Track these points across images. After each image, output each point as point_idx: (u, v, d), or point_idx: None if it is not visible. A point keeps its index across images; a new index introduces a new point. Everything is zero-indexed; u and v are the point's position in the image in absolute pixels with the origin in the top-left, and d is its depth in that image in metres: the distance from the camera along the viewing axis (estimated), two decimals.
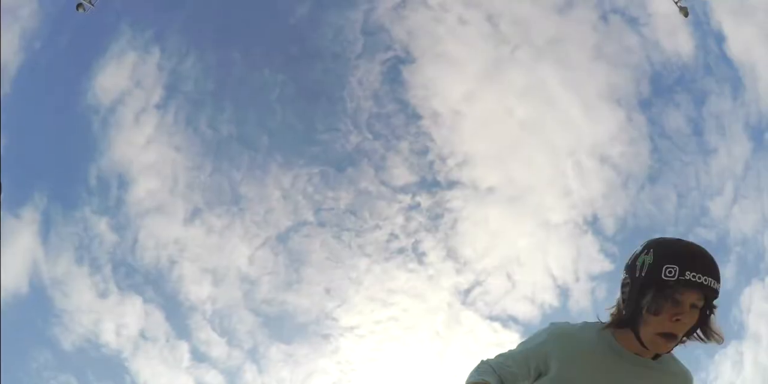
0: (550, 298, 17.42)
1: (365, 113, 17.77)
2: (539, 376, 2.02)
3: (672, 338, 1.84)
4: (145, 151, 17.34)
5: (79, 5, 16.18)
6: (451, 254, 17.69)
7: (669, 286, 1.77)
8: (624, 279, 1.89)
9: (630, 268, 1.88)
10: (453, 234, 17.69)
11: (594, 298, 17.17)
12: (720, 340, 1.90)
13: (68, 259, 16.87)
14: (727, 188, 17.45)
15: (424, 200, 17.72)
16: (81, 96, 16.87)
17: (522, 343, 2.11)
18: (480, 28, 17.55)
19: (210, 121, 17.50)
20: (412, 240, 17.59)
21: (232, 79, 17.90)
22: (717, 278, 1.79)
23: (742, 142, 17.63)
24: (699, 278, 1.77)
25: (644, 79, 17.86)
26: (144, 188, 17.27)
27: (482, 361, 2.12)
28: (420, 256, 17.64)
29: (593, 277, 17.45)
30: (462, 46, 17.75)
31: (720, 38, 17.29)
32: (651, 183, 17.82)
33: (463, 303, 17.44)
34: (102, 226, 17.00)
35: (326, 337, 17.16)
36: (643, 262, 1.84)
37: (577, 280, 17.44)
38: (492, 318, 17.24)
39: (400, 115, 17.80)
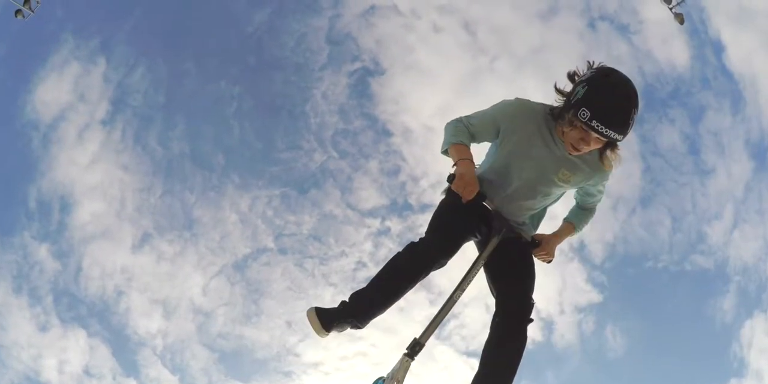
0: (532, 332, 12.77)
1: (330, 129, 17.08)
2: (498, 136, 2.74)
3: (576, 150, 2.53)
4: (89, 170, 16.61)
5: (18, 12, 14.92)
6: (424, 284, 14.52)
7: (581, 122, 2.37)
8: (574, 85, 2.46)
9: (576, 80, 2.48)
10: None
11: (581, 332, 16.40)
12: (609, 167, 2.67)
13: (5, 289, 16.09)
14: (727, 212, 16.76)
15: (394, 225, 16.79)
16: (19, 111, 16.25)
17: (492, 106, 2.75)
18: (456, 36, 16.92)
19: (160, 137, 16.74)
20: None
21: (184, 92, 17.21)
22: (623, 132, 2.38)
23: (742, 161, 16.90)
24: (602, 129, 2.36)
25: None
26: (88, 212, 16.48)
27: (458, 120, 2.78)
28: None
29: (580, 309, 16.66)
30: (436, 56, 16.90)
31: (718, 48, 16.60)
32: (643, 206, 17.13)
33: (438, 337, 15.41)
34: (42, 253, 16.25)
35: (288, 374, 16.33)
36: (578, 92, 2.43)
37: (562, 312, 16.73)
38: (469, 354, 16.11)
39: (369, 132, 17.13)
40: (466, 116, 2.78)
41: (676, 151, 17.10)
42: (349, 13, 17.00)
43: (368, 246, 16.93)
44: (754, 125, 16.76)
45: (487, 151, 2.95)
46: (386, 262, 2.68)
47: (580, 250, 16.86)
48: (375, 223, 16.88)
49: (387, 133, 17.21)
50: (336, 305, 2.61)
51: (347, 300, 2.61)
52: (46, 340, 15.92)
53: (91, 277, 16.21)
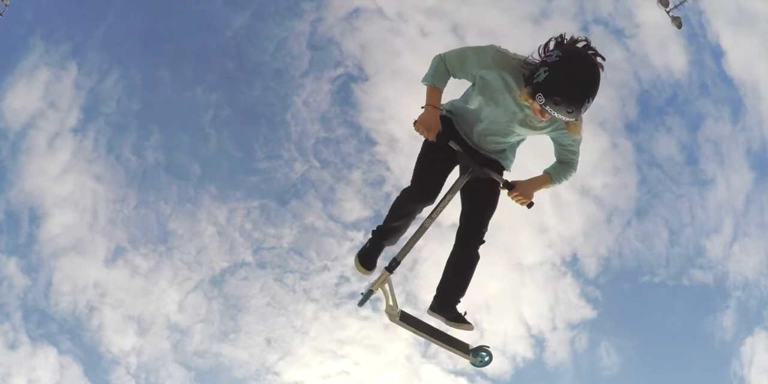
0: (523, 350, 16.21)
1: (312, 138, 16.77)
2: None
3: (537, 116, 2.81)
4: (60, 181, 16.33)
5: None
6: (411, 299, 15.34)
7: (537, 103, 2.61)
8: (539, 63, 2.62)
9: (542, 57, 2.64)
10: (412, 276, 15.65)
11: (574, 350, 16.39)
12: (572, 132, 2.93)
13: None
14: (726, 224, 16.60)
15: None
16: None
17: (474, 51, 2.87)
18: (444, 40, 16.42)
19: (134, 146, 16.38)
20: (366, 283, 15.21)
21: (159, 99, 16.77)
22: (575, 116, 2.60)
23: (743, 171, 16.74)
24: (555, 114, 2.59)
25: (631, 100, 17.02)
26: (59, 224, 16.19)
27: (442, 58, 2.96)
28: (374, 302, 14.72)
29: (573, 326, 16.49)
30: (423, 61, 15.10)
31: (718, 53, 16.41)
32: (639, 218, 16.93)
33: (424, 355, 16.28)
34: (11, 267, 15.97)
35: None
36: (539, 75, 2.57)
37: (555, 329, 16.50)
38: (456, 373, 16.02)
39: (352, 141, 16.82)
40: (449, 56, 2.94)
41: (673, 161, 16.95)
42: (331, 16, 16.72)
43: (351, 260, 15.99)
44: (755, 134, 16.58)
45: (466, 90, 3.17)
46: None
47: (573, 264, 16.76)
48: (358, 236, 16.52)
49: (371, 142, 16.94)
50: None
51: (372, 233, 3.38)
52: (15, 358, 15.67)
53: (62, 292, 15.97)
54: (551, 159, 3.24)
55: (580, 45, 2.61)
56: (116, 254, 16.22)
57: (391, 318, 3.43)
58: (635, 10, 16.46)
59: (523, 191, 3.17)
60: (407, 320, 3.46)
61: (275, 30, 16.55)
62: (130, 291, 16.22)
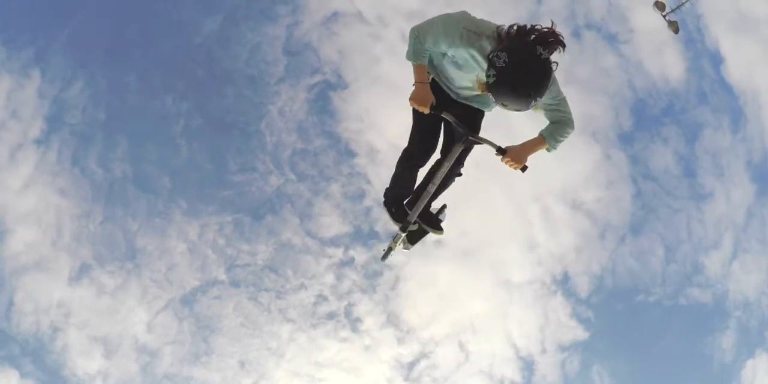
0: (511, 373, 16.21)
1: (288, 149, 16.48)
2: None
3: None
4: (22, 195, 15.83)
5: None
6: (392, 320, 16.48)
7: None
8: (490, 60, 2.76)
9: (499, 50, 2.78)
10: (394, 296, 16.47)
11: (565, 373, 16.29)
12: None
13: None
14: (726, 241, 16.43)
15: (358, 255, 16.41)
16: None
17: (443, 23, 3.02)
18: None
19: (100, 158, 15.92)
20: (345, 303, 16.35)
21: (126, 108, 16.26)
22: (524, 111, 2.84)
23: (743, 184, 16.56)
24: (505, 108, 2.82)
25: (625, 109, 16.82)
26: (21, 240, 15.72)
27: (416, 36, 3.14)
28: (354, 323, 16.37)
29: (563, 348, 16.30)
30: (405, 68, 15.49)
31: (717, 59, 16.25)
32: (633, 234, 16.75)
33: (407, 378, 16.24)
34: None
35: None
36: (489, 75, 2.74)
37: (544, 351, 16.32)
38: None
39: (330, 152, 16.59)
40: (421, 34, 3.10)
41: (669, 174, 16.78)
42: (308, 20, 16.41)
43: (330, 278, 16.42)
44: (756, 145, 16.47)
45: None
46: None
47: (564, 283, 16.63)
48: (337, 253, 16.42)
49: (350, 154, 16.72)
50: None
51: (385, 201, 3.89)
52: None
53: (23, 312, 15.54)
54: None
55: (531, 38, 2.69)
56: (81, 272, 15.87)
57: (407, 248, 4.08)
58: (629, 14, 16.34)
59: (515, 156, 3.24)
60: (415, 239, 4.03)
61: (249, 35, 16.26)
62: (96, 311, 15.82)
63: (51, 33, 15.80)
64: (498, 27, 2.88)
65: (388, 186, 3.87)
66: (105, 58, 16.31)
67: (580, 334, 16.14)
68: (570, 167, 16.31)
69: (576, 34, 16.33)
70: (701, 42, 16.22)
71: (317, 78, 16.45)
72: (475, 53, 2.99)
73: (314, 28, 16.30)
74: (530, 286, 16.51)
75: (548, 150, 3.29)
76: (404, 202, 3.83)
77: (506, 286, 16.66)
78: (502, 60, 2.69)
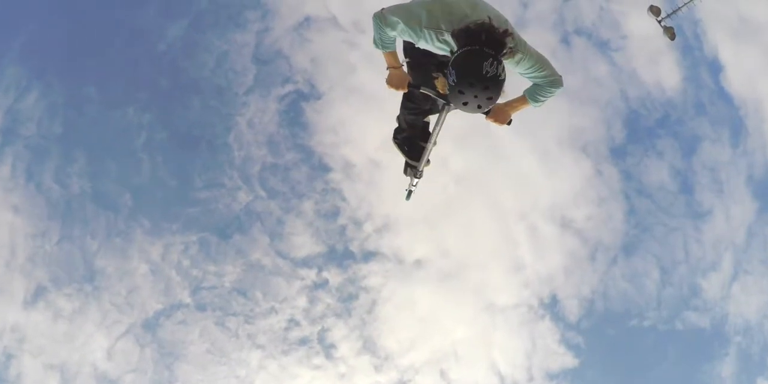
0: None
1: (257, 164, 16.24)
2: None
3: None
4: None
5: None
6: (369, 346, 16.34)
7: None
8: (450, 62, 2.93)
9: (450, 60, 2.94)
10: (371, 320, 16.29)
11: None
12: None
13: None
14: (725, 261, 16.32)
15: (333, 277, 16.31)
16: None
17: (409, 29, 3.15)
18: None
19: (57, 174, 15.67)
20: (318, 328, 16.17)
21: (85, 120, 15.99)
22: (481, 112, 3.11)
23: (744, 201, 16.44)
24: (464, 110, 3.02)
25: (617, 121, 16.77)
26: None
27: (380, 27, 3.25)
28: (328, 349, 16.15)
29: (552, 375, 16.14)
30: (382, 78, 16.02)
31: (716, 67, 16.22)
32: (626, 255, 16.62)
33: None
34: None
35: None
36: (448, 79, 2.89)
37: (531, 379, 16.17)
38: None
39: (303, 167, 16.42)
40: (388, 26, 3.20)
41: (665, 190, 16.66)
42: (279, 26, 16.29)
43: (302, 301, 16.23)
44: (757, 159, 16.37)
45: None
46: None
47: (552, 307, 16.43)
48: (310, 275, 16.28)
49: (324, 169, 16.59)
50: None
51: (396, 142, 4.21)
52: None
53: None
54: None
55: (474, 59, 2.81)
56: (37, 295, 15.57)
57: (421, 176, 4.33)
58: (622, 20, 16.28)
59: (498, 114, 3.43)
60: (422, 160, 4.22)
61: (216, 42, 16.09)
62: (53, 336, 15.47)
63: (3, 41, 15.66)
64: (456, 26, 2.95)
65: (396, 127, 4.22)
66: (61, 66, 16.09)
67: (569, 361, 16.02)
68: (559, 183, 16.47)
69: (565, 41, 16.38)
70: (699, 49, 16.22)
71: (289, 88, 16.40)
72: (443, 46, 3.14)
73: (285, 35, 16.25)
74: (516, 310, 16.43)
75: (534, 106, 3.44)
76: (415, 144, 4.16)
77: (490, 309, 16.56)
78: (452, 78, 2.86)
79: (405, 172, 4.35)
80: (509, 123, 3.46)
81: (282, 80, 16.20)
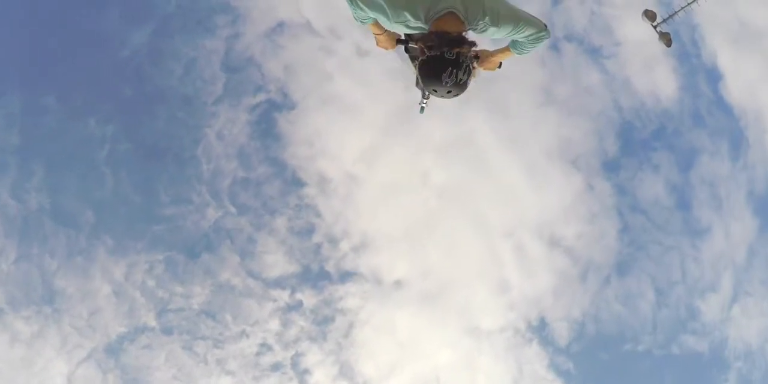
0: None
1: (227, 178, 16.09)
2: None
3: None
4: None
5: None
6: (346, 372, 16.26)
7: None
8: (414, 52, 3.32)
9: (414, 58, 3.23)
10: (347, 344, 16.12)
11: None
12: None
13: None
14: (725, 282, 16.04)
15: (307, 298, 16.19)
16: None
17: (382, 16, 3.17)
18: (385, 61, 15.97)
19: (14, 189, 15.46)
20: (292, 352, 16.04)
21: (43, 131, 15.68)
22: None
23: (744, 218, 16.17)
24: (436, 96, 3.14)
25: (610, 132, 16.66)
26: None
27: (354, 8, 3.22)
28: (302, 375, 16.03)
29: None
30: (360, 86, 16.40)
31: (714, 76, 16.02)
32: (619, 274, 16.53)
33: None
34: None
35: None
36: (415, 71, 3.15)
37: None
38: None
39: (275, 181, 16.30)
40: (358, 15, 3.25)
41: (660, 206, 16.58)
42: (250, 32, 16.12)
43: (274, 324, 16.12)
44: (758, 173, 16.21)
45: None
46: None
47: (540, 330, 16.27)
48: (283, 296, 16.16)
49: (298, 183, 16.49)
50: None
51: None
52: None
53: None
54: None
55: (435, 56, 2.93)
56: None
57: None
58: (615, 25, 16.18)
59: (484, 64, 3.51)
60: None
61: (183, 48, 15.95)
62: (9, 361, 15.30)
63: None
64: (423, 14, 3.03)
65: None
66: (19, 75, 16.03)
67: None
68: (547, 198, 16.47)
69: (554, 48, 16.09)
70: (697, 56, 16.08)
71: (260, 97, 16.29)
72: (416, 29, 3.24)
73: (257, 41, 16.12)
74: (502, 334, 16.33)
75: (520, 55, 3.63)
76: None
77: (475, 333, 16.48)
78: (418, 78, 3.15)
79: (416, 85, 4.67)
80: (500, 66, 3.63)
81: (253, 89, 16.17)
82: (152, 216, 15.90)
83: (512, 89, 16.02)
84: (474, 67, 3.54)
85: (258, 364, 15.80)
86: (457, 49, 2.97)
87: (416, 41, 3.27)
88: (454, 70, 2.95)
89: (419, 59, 3.08)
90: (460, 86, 3.03)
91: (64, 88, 16.12)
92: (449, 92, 3.05)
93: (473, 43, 3.06)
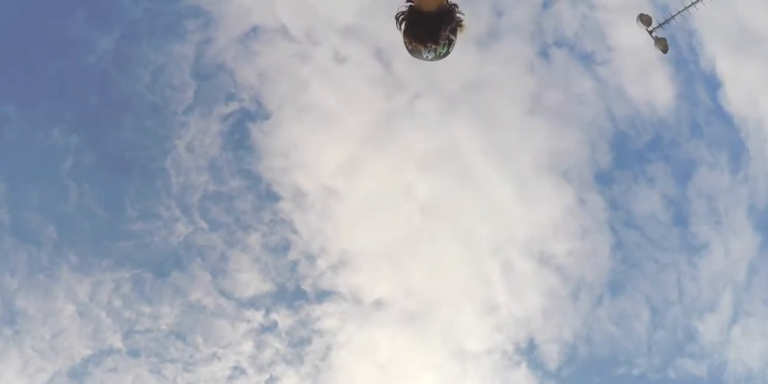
0: None
1: (198, 192, 15.96)
2: None
3: None
4: None
5: None
6: None
7: None
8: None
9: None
10: (325, 367, 15.77)
11: None
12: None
13: None
14: (724, 301, 15.69)
15: (282, 318, 15.96)
16: None
17: None
18: (366, 67, 16.08)
19: None
20: (266, 376, 15.77)
21: (3, 142, 15.53)
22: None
23: (744, 234, 15.89)
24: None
25: (602, 143, 16.28)
26: None
27: None
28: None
29: None
30: (339, 94, 16.15)
31: (713, 83, 15.73)
32: (612, 294, 16.11)
33: None
34: None
35: None
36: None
37: None
38: None
39: (249, 195, 16.11)
40: None
41: (656, 221, 16.11)
42: (223, 37, 15.84)
43: (248, 346, 15.80)
44: (759, 186, 15.91)
45: None
46: None
47: (529, 352, 15.91)
48: (257, 316, 15.88)
49: (273, 197, 16.30)
50: None
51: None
52: None
53: None
54: None
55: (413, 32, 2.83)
56: None
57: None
58: (608, 30, 16.13)
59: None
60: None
61: (151, 55, 15.72)
62: None
63: None
64: None
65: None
66: None
67: None
68: (536, 213, 16.28)
69: (543, 54, 16.05)
70: (694, 62, 15.92)
71: (233, 106, 16.12)
72: None
73: (229, 46, 15.87)
74: (489, 356, 15.97)
75: None
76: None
77: (460, 355, 16.06)
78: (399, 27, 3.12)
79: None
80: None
81: (225, 97, 15.95)
82: (118, 232, 15.71)
83: (499, 97, 15.92)
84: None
85: None
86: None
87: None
88: (432, 45, 2.84)
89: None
90: (443, 56, 2.95)
91: (24, 96, 16.09)
92: (434, 61, 2.97)
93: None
